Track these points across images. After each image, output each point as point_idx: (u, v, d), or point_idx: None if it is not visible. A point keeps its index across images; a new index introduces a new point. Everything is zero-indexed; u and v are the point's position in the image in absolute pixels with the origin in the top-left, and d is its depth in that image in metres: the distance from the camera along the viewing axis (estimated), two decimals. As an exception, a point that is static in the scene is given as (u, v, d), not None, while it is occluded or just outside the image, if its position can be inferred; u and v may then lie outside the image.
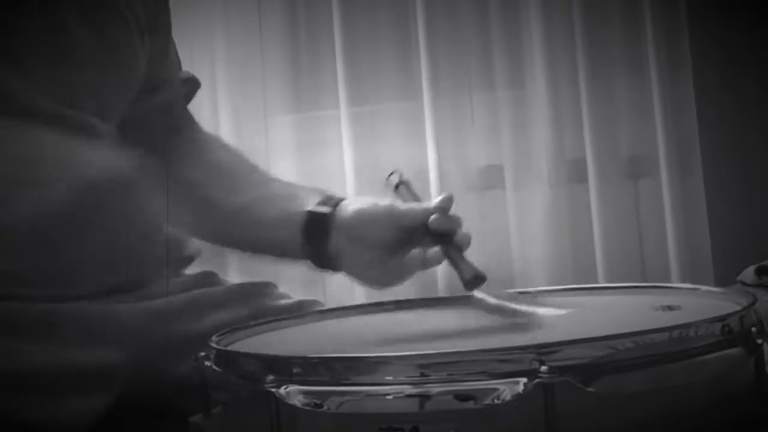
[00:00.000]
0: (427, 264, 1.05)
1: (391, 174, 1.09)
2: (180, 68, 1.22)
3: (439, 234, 1.01)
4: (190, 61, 2.29)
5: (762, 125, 2.32)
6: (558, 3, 2.32)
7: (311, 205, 1.08)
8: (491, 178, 2.35)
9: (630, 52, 2.32)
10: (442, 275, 2.25)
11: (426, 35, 2.32)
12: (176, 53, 1.21)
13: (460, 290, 0.96)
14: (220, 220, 1.16)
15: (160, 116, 1.17)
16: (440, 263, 1.04)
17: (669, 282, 1.96)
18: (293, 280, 1.22)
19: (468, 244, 1.01)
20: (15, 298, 0.93)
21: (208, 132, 1.27)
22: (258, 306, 1.11)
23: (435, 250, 1.03)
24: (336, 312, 0.99)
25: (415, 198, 1.07)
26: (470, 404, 0.64)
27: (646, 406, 0.66)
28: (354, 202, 1.07)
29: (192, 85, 1.24)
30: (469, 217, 2.44)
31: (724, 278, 1.94)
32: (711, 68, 2.32)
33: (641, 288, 0.95)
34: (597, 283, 2.19)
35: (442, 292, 2.20)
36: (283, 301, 1.14)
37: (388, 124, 2.37)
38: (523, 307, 0.88)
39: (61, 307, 0.96)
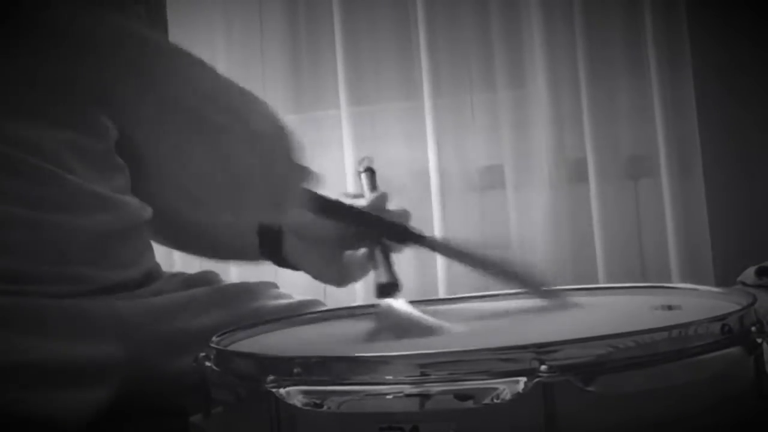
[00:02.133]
0: (366, 264, 1.02)
1: (363, 159, 1.09)
2: None
3: (383, 229, 1.00)
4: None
5: (762, 125, 2.32)
6: (558, 3, 2.32)
7: None
8: (491, 178, 2.35)
9: (630, 52, 2.32)
10: (442, 275, 2.25)
11: (426, 35, 2.32)
12: None
13: (460, 290, 0.96)
14: (180, 227, 1.16)
15: None
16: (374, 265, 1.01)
17: (669, 282, 1.96)
18: (293, 281, 1.23)
19: (399, 247, 1.00)
20: (9, 293, 0.94)
21: None
22: (258, 306, 1.11)
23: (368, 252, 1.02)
24: (336, 312, 0.99)
25: (372, 189, 1.05)
26: (470, 403, 0.64)
27: (646, 405, 0.66)
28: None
29: None
30: (469, 217, 2.45)
31: (724, 278, 1.94)
32: (711, 68, 2.32)
33: (641, 288, 0.95)
34: (597, 283, 2.19)
35: (442, 292, 2.21)
36: (283, 301, 1.14)
37: (388, 124, 2.37)
38: (424, 320, 0.85)
39: (59, 302, 0.96)
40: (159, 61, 0.79)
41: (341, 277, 1.07)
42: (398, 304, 0.90)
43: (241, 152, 0.78)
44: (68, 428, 0.92)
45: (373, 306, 0.98)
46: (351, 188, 2.25)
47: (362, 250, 1.03)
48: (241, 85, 0.84)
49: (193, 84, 0.79)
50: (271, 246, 1.10)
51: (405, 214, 1.02)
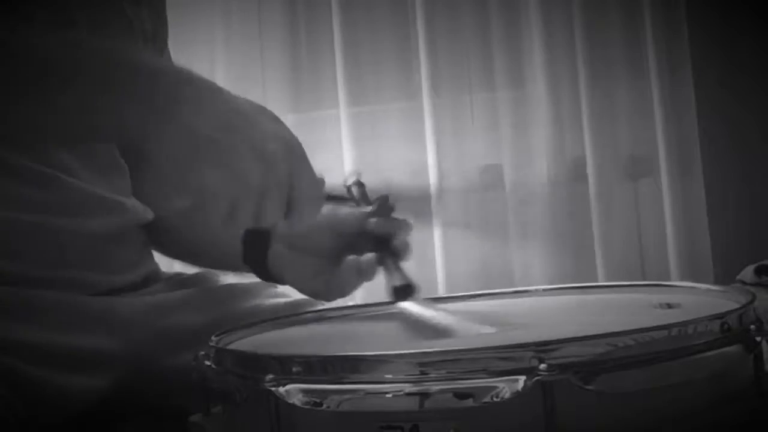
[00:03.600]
0: (363, 273, 1.00)
1: (351, 173, 1.06)
2: None
3: (376, 239, 0.98)
4: (191, 61, 2.29)
5: (762, 125, 2.32)
6: (558, 3, 2.32)
7: None
8: (491, 178, 2.35)
9: (630, 52, 2.32)
10: (442, 274, 2.25)
11: (426, 35, 2.32)
12: (168, 56, 1.21)
13: (460, 288, 0.96)
14: (162, 230, 1.14)
15: None
16: (375, 274, 0.99)
17: (668, 281, 1.97)
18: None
19: (406, 251, 0.98)
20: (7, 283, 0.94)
21: None
22: (256, 304, 1.11)
23: (370, 258, 1.00)
24: (335, 311, 0.99)
25: (364, 202, 1.01)
26: (470, 402, 0.64)
27: (646, 403, 0.66)
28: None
29: None
30: (469, 217, 2.44)
31: (724, 277, 1.94)
32: (711, 68, 2.32)
33: (640, 286, 0.95)
34: (597, 282, 2.19)
35: (441, 291, 2.21)
36: (281, 300, 1.14)
37: (388, 124, 2.37)
38: (446, 322, 0.84)
39: (57, 294, 0.97)
40: (171, 92, 0.82)
41: (329, 290, 1.03)
42: (417, 307, 0.90)
43: (254, 170, 0.80)
44: (61, 413, 0.93)
45: (372, 306, 0.99)
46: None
47: (357, 260, 1.00)
48: (245, 98, 0.86)
49: (204, 111, 0.81)
50: (256, 255, 1.06)
51: (406, 223, 1.00)
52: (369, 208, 0.99)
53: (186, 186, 0.80)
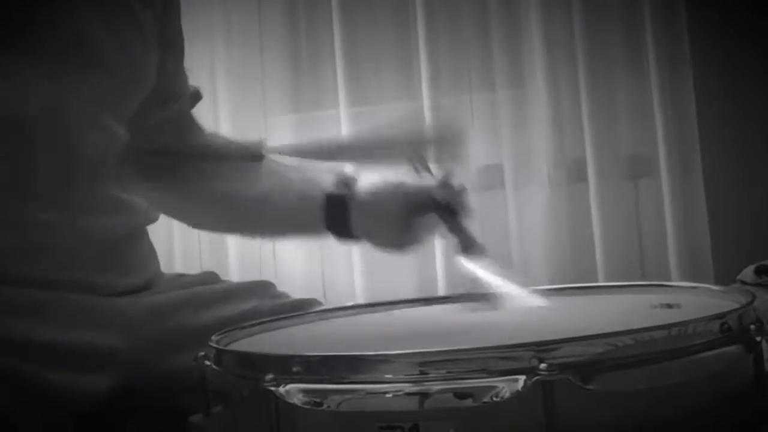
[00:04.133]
0: (433, 230, 1.17)
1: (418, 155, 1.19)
2: (188, 83, 1.24)
3: (441, 204, 1.12)
4: (190, 61, 2.29)
5: (762, 125, 2.32)
6: (558, 3, 2.32)
7: (329, 186, 1.19)
8: (491, 178, 2.35)
9: (630, 52, 2.32)
10: (441, 274, 2.25)
11: (426, 35, 2.32)
12: (185, 70, 1.22)
13: (459, 289, 0.97)
14: (240, 212, 1.23)
15: (169, 126, 1.19)
16: (442, 231, 1.14)
17: (668, 281, 1.97)
18: (292, 281, 1.23)
19: (467, 212, 1.13)
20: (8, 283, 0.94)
21: (215, 133, 1.30)
22: (257, 304, 1.11)
23: (437, 218, 1.13)
24: (335, 311, 0.99)
25: (429, 172, 1.17)
26: (469, 402, 0.64)
27: (646, 403, 0.66)
28: (367, 180, 1.19)
29: (195, 98, 1.25)
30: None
31: (724, 278, 1.94)
32: (711, 68, 2.32)
33: (641, 286, 0.95)
34: (597, 282, 2.19)
35: (441, 290, 2.21)
36: (282, 300, 1.15)
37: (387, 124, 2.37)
38: (506, 288, 0.93)
39: (59, 294, 0.97)
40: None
41: (405, 244, 1.18)
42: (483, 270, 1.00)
43: None
44: (64, 412, 0.93)
45: (371, 306, 0.99)
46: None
47: (426, 219, 1.14)
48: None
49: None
50: (337, 218, 1.18)
51: (464, 188, 1.14)
52: (433, 179, 1.14)
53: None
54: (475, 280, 0.99)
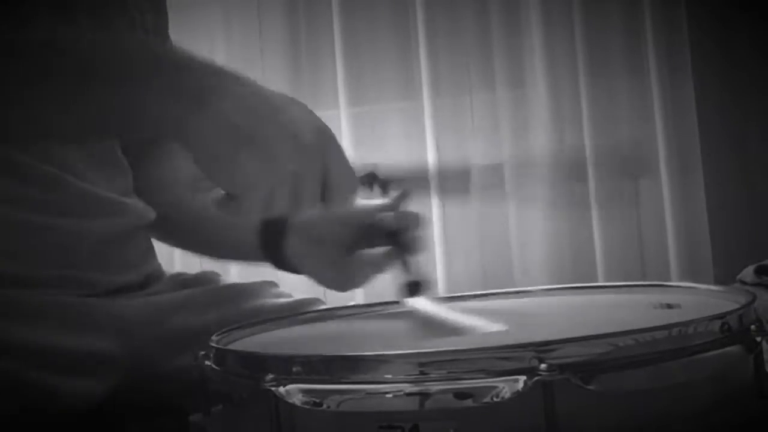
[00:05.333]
0: (375, 266, 1.03)
1: (368, 173, 1.05)
2: None
3: (388, 232, 1.00)
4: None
5: (762, 125, 2.32)
6: (558, 3, 2.32)
7: None
8: (491, 178, 2.35)
9: (630, 52, 2.32)
10: (442, 274, 2.26)
11: (426, 35, 2.32)
12: None
13: (460, 289, 0.96)
14: (187, 225, 1.16)
15: None
16: (387, 267, 1.02)
17: (669, 281, 1.97)
18: (294, 280, 1.23)
19: (417, 246, 1.00)
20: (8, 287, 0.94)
21: None
22: (258, 304, 1.11)
23: (381, 252, 1.02)
24: (336, 311, 0.99)
25: (380, 194, 1.01)
26: (470, 402, 0.64)
27: (646, 403, 0.66)
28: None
29: None
30: (469, 217, 2.44)
31: (724, 278, 1.94)
32: (711, 68, 2.32)
33: (641, 286, 0.95)
34: (597, 282, 2.19)
35: (441, 290, 2.21)
36: (282, 300, 1.14)
37: (388, 124, 2.37)
38: (456, 320, 0.85)
39: (58, 297, 0.97)
40: (197, 83, 0.82)
41: (344, 281, 1.06)
42: (425, 303, 0.91)
43: (284, 158, 0.79)
44: (62, 414, 0.93)
45: (371, 306, 0.99)
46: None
47: (371, 252, 1.02)
48: (275, 90, 0.85)
49: (233, 101, 0.81)
50: (272, 244, 1.08)
51: (414, 215, 1.02)
52: (380, 201, 1.00)
53: (224, 176, 0.80)
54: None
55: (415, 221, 1.01)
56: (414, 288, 0.93)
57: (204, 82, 0.82)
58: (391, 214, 1.00)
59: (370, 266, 1.03)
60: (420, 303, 0.92)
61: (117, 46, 0.86)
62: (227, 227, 1.11)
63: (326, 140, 0.82)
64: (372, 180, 1.00)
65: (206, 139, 0.79)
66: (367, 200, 1.02)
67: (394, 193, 1.00)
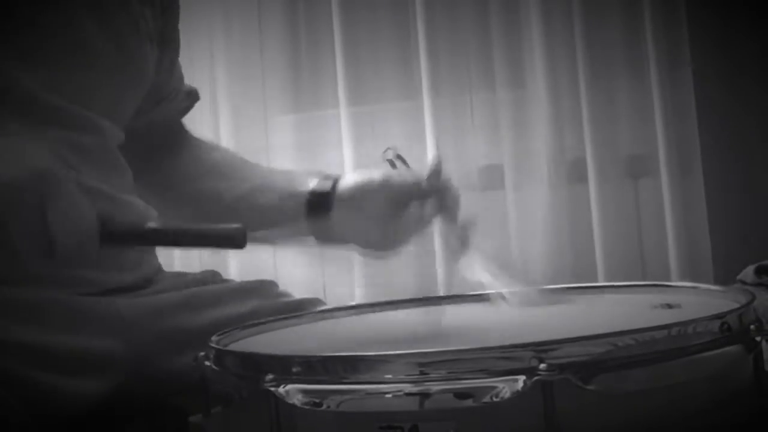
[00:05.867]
0: (422, 222, 1.11)
1: (387, 149, 1.15)
2: (183, 82, 1.23)
3: (430, 194, 1.09)
4: (190, 61, 2.30)
5: (762, 125, 2.32)
6: (558, 3, 2.32)
7: (312, 183, 1.15)
8: (491, 178, 2.35)
9: (630, 52, 2.32)
10: (441, 274, 2.25)
11: (426, 35, 2.32)
12: (180, 68, 1.22)
13: (459, 289, 0.96)
14: (221, 211, 1.19)
15: (158, 128, 1.20)
16: (433, 222, 1.11)
17: (669, 281, 1.97)
18: (293, 280, 1.23)
19: (457, 205, 1.10)
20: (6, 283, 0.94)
21: (202, 139, 1.29)
22: (258, 304, 1.11)
23: (429, 208, 1.10)
24: (336, 311, 0.99)
25: (408, 168, 1.14)
26: (469, 402, 0.64)
27: (646, 403, 0.66)
28: (351, 176, 1.15)
29: (193, 98, 1.25)
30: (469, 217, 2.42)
31: (724, 278, 1.94)
32: (711, 68, 2.31)
33: (641, 286, 0.95)
34: (597, 282, 2.19)
35: (442, 290, 2.21)
36: (283, 300, 1.14)
37: (388, 124, 2.37)
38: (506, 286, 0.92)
39: (58, 297, 0.96)
40: None
41: (389, 243, 1.14)
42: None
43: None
44: (62, 415, 0.93)
45: (371, 306, 0.99)
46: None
47: (416, 211, 1.10)
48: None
49: None
50: (319, 215, 1.14)
51: (452, 185, 1.11)
52: (416, 174, 1.11)
53: None
54: (476, 280, 0.97)
55: (451, 186, 1.10)
56: (464, 238, 1.04)
57: None
58: (430, 181, 1.10)
59: (413, 227, 1.12)
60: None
61: None
62: (267, 206, 1.17)
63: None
64: (400, 159, 1.14)
65: None
66: (400, 173, 1.12)
67: (434, 162, 1.11)
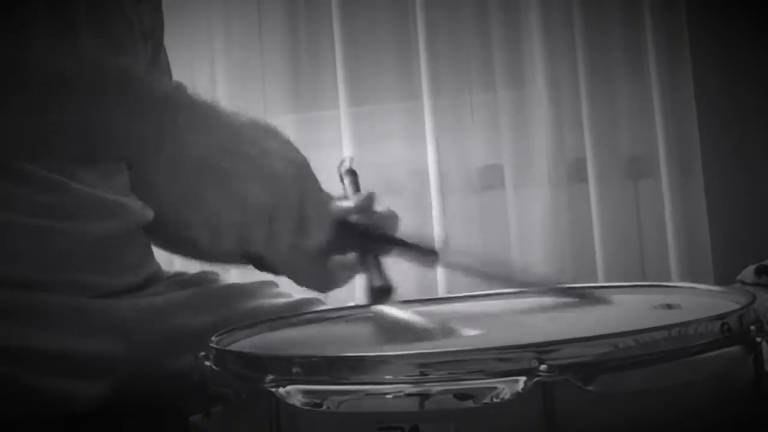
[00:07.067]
0: (348, 270, 1.00)
1: (342, 161, 1.07)
2: (170, 76, 1.22)
3: (359, 234, 0.97)
4: (190, 61, 2.30)
5: (762, 125, 2.32)
6: (558, 3, 2.32)
7: None
8: (491, 178, 2.35)
9: (630, 53, 2.32)
10: (442, 274, 2.25)
11: (426, 35, 2.32)
12: (167, 61, 1.21)
13: (460, 289, 0.96)
14: (161, 225, 1.14)
15: None
16: (360, 270, 0.99)
17: (669, 281, 1.97)
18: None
19: (388, 248, 0.97)
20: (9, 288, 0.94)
21: None
22: (258, 304, 1.11)
23: (352, 257, 0.99)
24: (336, 311, 0.99)
25: (355, 191, 1.02)
26: (470, 403, 0.64)
27: (646, 404, 0.66)
28: None
29: None
30: (469, 217, 2.45)
31: (724, 278, 1.94)
32: (711, 68, 2.32)
33: (641, 287, 0.95)
34: (597, 282, 2.19)
35: (442, 291, 2.21)
36: (282, 300, 1.14)
37: (388, 124, 2.37)
38: (426, 326, 0.84)
39: (59, 298, 0.96)
40: (172, 114, 0.81)
41: (325, 282, 1.05)
42: (392, 309, 0.90)
43: (256, 193, 0.79)
44: (61, 415, 0.93)
45: (371, 306, 0.98)
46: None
47: (349, 255, 0.99)
48: (250, 117, 0.84)
49: (201, 136, 0.80)
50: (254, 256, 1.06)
51: (393, 215, 1.00)
52: (352, 203, 0.99)
53: (192, 213, 0.80)
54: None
55: (389, 221, 0.99)
56: (380, 293, 0.92)
57: (166, 116, 0.81)
58: (360, 215, 0.98)
59: (344, 268, 0.99)
60: (390, 309, 0.90)
61: (96, 65, 0.85)
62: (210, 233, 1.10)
63: (301, 172, 0.81)
64: (351, 176, 1.03)
65: (167, 176, 0.79)
66: (340, 202, 1.00)
67: (362, 194, 0.99)
